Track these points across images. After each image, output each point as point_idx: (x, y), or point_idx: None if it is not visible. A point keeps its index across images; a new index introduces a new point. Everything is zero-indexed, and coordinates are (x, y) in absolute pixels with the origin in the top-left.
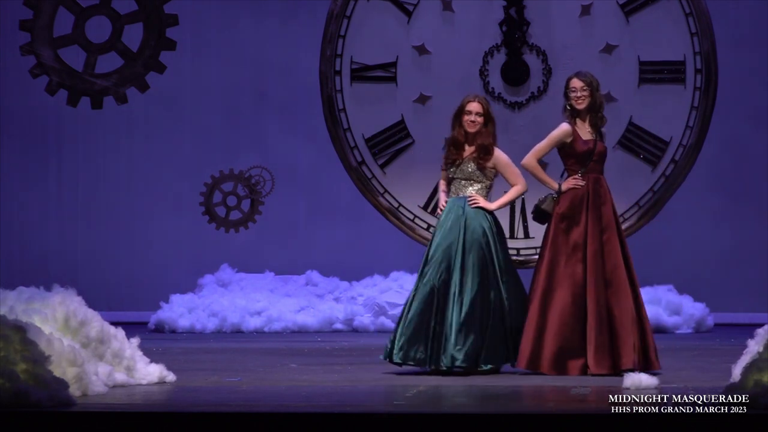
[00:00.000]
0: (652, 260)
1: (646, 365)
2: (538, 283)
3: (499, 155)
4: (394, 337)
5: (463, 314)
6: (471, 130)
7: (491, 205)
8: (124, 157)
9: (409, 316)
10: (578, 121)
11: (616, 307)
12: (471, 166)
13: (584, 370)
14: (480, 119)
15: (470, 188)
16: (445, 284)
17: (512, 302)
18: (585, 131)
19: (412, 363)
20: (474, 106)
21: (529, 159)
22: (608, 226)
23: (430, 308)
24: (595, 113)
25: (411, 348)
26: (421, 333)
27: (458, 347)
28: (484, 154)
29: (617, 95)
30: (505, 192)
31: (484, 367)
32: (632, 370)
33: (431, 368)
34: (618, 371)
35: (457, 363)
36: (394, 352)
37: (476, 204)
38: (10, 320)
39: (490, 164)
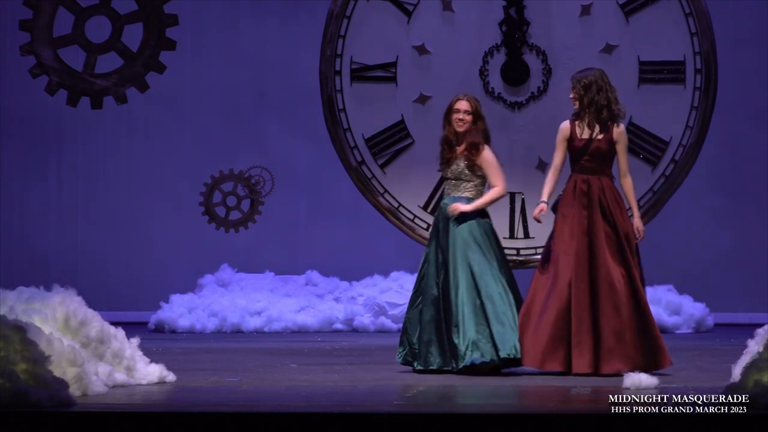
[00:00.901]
0: (652, 260)
1: (653, 365)
2: (533, 280)
3: (486, 154)
4: (409, 342)
5: (461, 314)
6: (459, 128)
7: (466, 207)
8: (124, 157)
9: (423, 321)
10: (579, 119)
11: (604, 309)
12: (460, 165)
13: (568, 368)
14: (468, 117)
15: (461, 186)
16: (445, 286)
17: (510, 293)
18: (585, 129)
19: (433, 367)
20: (462, 105)
21: (548, 174)
22: (594, 227)
23: (438, 312)
24: (595, 111)
25: (429, 354)
26: (435, 337)
27: (464, 346)
28: (473, 151)
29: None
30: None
31: (502, 356)
32: (617, 375)
33: (450, 369)
34: (600, 373)
35: (467, 362)
36: (412, 358)
37: (454, 213)
38: (10, 320)
39: (478, 162)
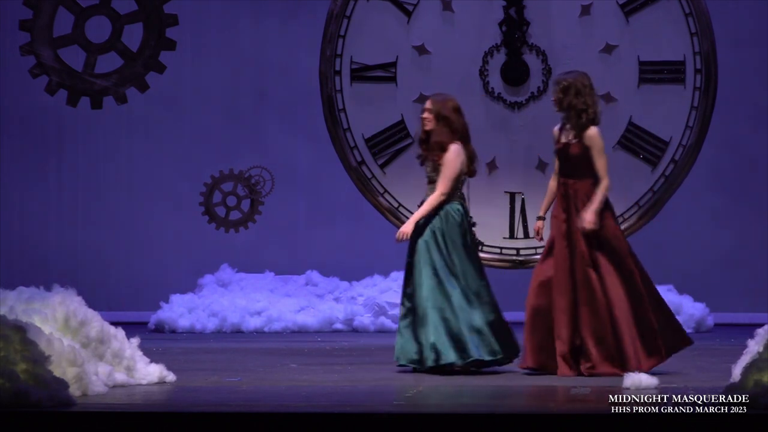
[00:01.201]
0: (652, 260)
1: (625, 366)
2: None
3: (447, 155)
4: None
5: (424, 317)
6: (425, 128)
7: (406, 229)
8: (124, 157)
9: (401, 321)
10: (563, 123)
11: (583, 311)
12: (429, 167)
13: (554, 370)
14: (429, 116)
15: (433, 187)
16: (413, 288)
17: (472, 294)
18: (567, 133)
19: (402, 363)
20: (426, 104)
21: (550, 180)
22: (571, 229)
23: (409, 312)
24: (574, 115)
25: (402, 351)
26: (410, 336)
27: (427, 348)
28: (437, 151)
29: (617, 95)
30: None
31: (466, 358)
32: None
33: (419, 369)
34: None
35: (430, 364)
36: (397, 355)
37: (401, 240)
38: (10, 320)
39: (441, 162)
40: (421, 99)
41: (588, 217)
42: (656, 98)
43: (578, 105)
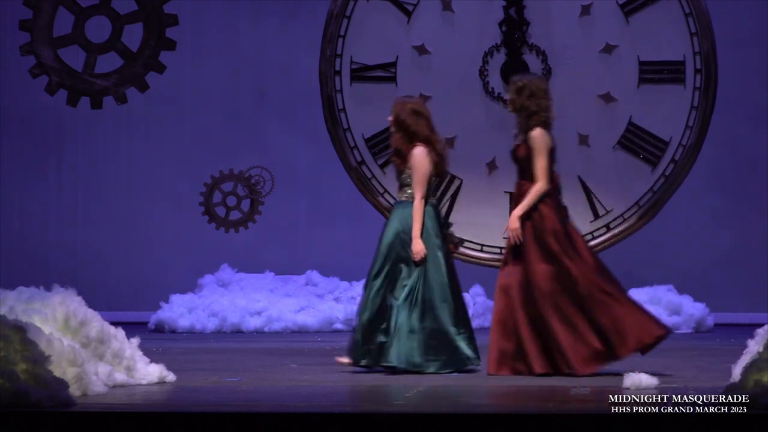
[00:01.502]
0: (652, 260)
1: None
2: None
3: (413, 160)
4: None
5: (369, 315)
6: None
7: (418, 247)
8: (124, 157)
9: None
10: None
11: (536, 311)
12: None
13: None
14: (390, 119)
15: (402, 191)
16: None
17: (416, 304)
18: (518, 136)
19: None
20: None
21: None
22: (523, 231)
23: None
24: (525, 116)
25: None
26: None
27: (365, 346)
28: (393, 156)
29: (617, 95)
30: None
31: (388, 364)
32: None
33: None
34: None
35: (362, 362)
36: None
37: (420, 257)
38: (10, 320)
39: (403, 167)
40: (422, 99)
41: (509, 224)
42: (656, 98)
43: (530, 107)
